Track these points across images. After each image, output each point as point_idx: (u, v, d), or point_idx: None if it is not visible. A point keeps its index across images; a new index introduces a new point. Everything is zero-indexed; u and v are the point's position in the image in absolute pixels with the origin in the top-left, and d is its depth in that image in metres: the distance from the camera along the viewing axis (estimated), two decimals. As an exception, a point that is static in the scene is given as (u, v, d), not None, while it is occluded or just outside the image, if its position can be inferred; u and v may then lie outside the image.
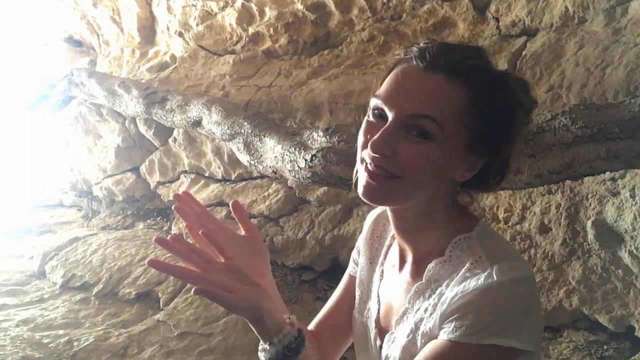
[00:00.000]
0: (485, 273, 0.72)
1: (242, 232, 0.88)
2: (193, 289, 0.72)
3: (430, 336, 0.75)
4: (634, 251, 1.87)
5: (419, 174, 0.74)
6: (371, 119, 0.78)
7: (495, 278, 0.71)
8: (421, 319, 0.78)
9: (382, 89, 0.78)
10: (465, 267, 0.76)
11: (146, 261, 0.78)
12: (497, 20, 2.57)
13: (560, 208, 2.10)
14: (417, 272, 0.83)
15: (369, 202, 0.79)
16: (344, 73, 3.09)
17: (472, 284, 0.72)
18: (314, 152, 2.14)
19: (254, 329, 0.78)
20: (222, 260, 0.77)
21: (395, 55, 0.80)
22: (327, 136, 2.16)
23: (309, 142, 2.25)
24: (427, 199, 0.79)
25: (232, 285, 0.75)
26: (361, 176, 0.78)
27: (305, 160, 2.16)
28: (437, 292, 0.78)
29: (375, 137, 0.74)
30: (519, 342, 0.69)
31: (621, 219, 1.89)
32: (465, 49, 0.78)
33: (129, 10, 4.74)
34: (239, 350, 2.55)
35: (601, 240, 1.97)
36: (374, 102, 0.78)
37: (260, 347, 0.78)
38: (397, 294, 0.87)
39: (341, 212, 3.01)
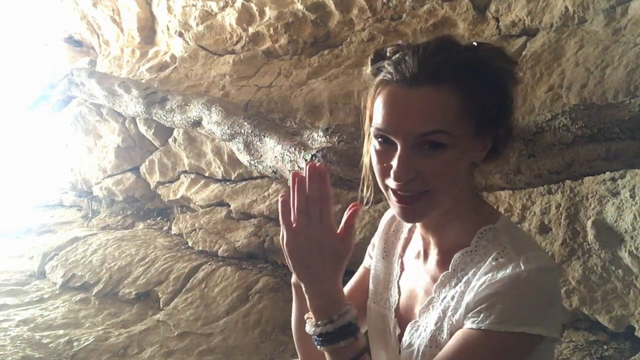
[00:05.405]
0: (513, 263, 0.74)
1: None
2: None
3: (457, 326, 0.77)
4: (634, 251, 1.87)
5: (445, 181, 0.78)
6: (378, 147, 0.80)
7: (522, 267, 0.73)
8: (448, 307, 0.80)
9: (378, 117, 0.78)
10: (492, 256, 0.78)
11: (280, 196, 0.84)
12: (497, 20, 2.57)
13: (560, 208, 2.10)
14: (443, 263, 0.86)
15: (409, 223, 0.90)
16: (344, 73, 3.09)
17: (500, 274, 0.74)
18: (314, 152, 2.14)
19: (311, 304, 0.80)
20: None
21: (370, 72, 0.82)
22: (327, 136, 2.16)
23: (309, 142, 2.25)
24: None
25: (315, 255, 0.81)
26: (392, 202, 0.81)
27: (305, 160, 2.15)
28: (464, 280, 0.80)
29: (394, 168, 0.76)
30: (545, 329, 0.72)
31: (621, 219, 1.89)
32: (434, 47, 0.77)
33: (129, 10, 4.74)
34: (239, 350, 2.55)
35: (601, 240, 1.96)
36: (374, 131, 0.80)
37: (314, 323, 0.80)
38: (421, 284, 0.89)
39: (341, 212, 3.00)
